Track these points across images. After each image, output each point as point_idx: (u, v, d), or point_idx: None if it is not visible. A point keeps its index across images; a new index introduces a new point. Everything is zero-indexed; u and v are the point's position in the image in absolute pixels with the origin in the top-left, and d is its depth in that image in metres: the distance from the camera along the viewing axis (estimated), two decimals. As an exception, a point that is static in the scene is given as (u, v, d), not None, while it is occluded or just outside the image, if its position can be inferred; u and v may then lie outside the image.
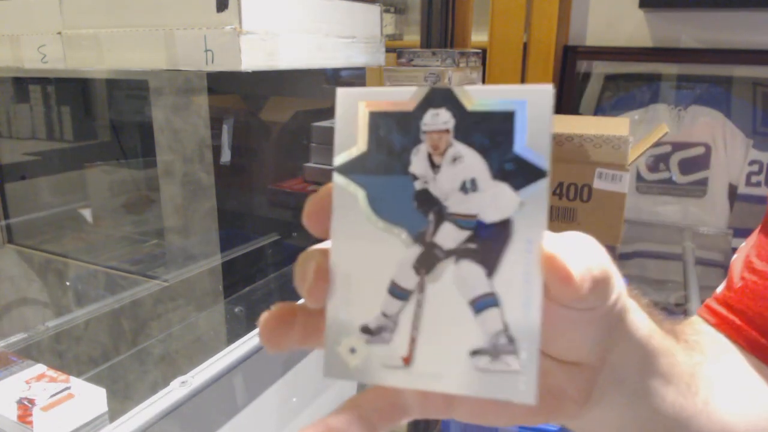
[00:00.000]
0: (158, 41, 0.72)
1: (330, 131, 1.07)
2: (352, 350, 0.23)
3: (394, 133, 0.23)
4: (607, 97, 1.53)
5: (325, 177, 1.12)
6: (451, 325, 0.22)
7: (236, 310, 1.00)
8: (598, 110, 1.53)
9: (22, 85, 1.33)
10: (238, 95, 1.12)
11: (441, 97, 0.22)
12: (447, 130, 0.22)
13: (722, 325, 0.45)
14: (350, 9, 0.92)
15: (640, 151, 1.00)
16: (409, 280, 0.22)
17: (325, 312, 0.23)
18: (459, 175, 0.22)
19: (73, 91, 1.31)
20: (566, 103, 1.53)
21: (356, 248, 0.23)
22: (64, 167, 1.35)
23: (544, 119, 0.21)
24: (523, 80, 1.49)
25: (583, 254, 0.22)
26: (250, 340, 0.74)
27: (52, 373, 0.61)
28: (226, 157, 1.03)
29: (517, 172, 0.21)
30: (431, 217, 0.22)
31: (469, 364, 0.22)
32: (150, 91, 0.97)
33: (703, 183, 1.45)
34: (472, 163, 0.22)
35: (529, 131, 0.21)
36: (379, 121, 0.23)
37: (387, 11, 1.71)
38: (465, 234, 0.22)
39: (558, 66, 1.51)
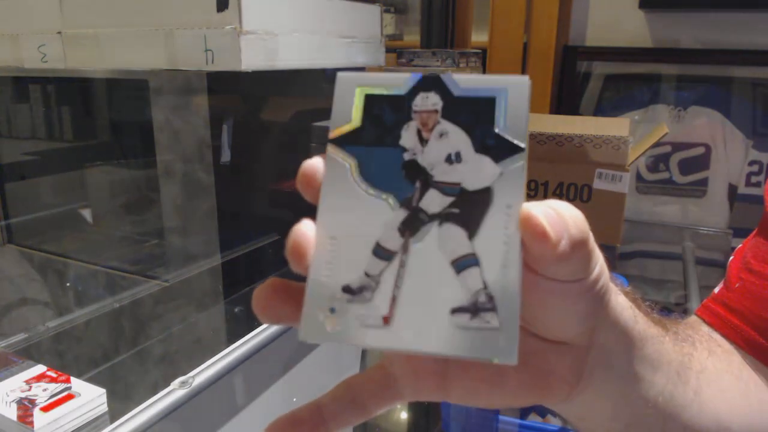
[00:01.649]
0: (158, 41, 0.72)
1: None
2: (332, 310, 0.23)
3: (387, 112, 0.25)
4: (607, 98, 1.53)
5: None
6: (432, 284, 0.23)
7: (236, 310, 1.00)
8: (598, 110, 1.53)
9: (22, 84, 1.33)
10: (238, 95, 1.12)
11: (431, 83, 0.25)
12: (436, 111, 0.24)
13: (720, 324, 0.45)
14: (350, 9, 0.92)
15: (640, 151, 1.00)
16: (393, 242, 0.23)
17: (307, 274, 0.23)
18: (445, 149, 0.24)
19: (73, 91, 1.31)
20: (566, 103, 1.53)
21: (343, 213, 0.24)
22: (64, 167, 1.35)
23: (522, 105, 0.24)
24: (523, 80, 1.49)
25: (560, 215, 0.23)
26: (250, 340, 0.74)
27: (52, 373, 0.61)
28: (226, 157, 1.03)
29: (498, 147, 0.23)
30: (418, 184, 0.24)
31: (449, 322, 0.22)
32: (150, 91, 0.97)
33: (703, 183, 1.46)
34: (457, 138, 0.24)
35: (508, 114, 0.24)
36: (373, 101, 0.25)
37: (387, 11, 1.71)
38: (449, 200, 0.23)
39: (558, 66, 1.51)
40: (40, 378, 0.60)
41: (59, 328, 0.94)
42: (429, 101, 0.24)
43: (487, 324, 0.22)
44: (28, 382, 0.60)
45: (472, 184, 0.23)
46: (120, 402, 0.61)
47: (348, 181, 0.24)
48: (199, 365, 0.66)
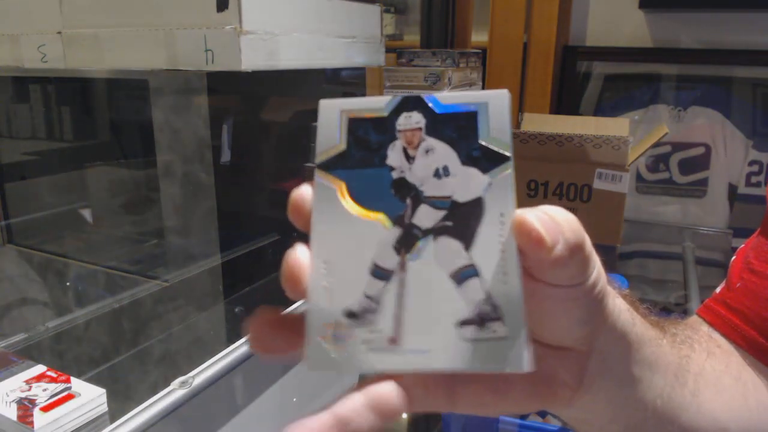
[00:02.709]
0: (158, 41, 0.72)
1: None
2: (336, 338, 0.23)
3: (371, 133, 0.25)
4: (607, 98, 1.53)
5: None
6: (435, 299, 0.23)
7: (236, 310, 1.00)
8: (598, 110, 1.53)
9: (22, 85, 1.33)
10: (238, 95, 1.12)
11: (412, 102, 0.25)
12: (419, 128, 0.24)
13: (720, 324, 0.45)
14: (350, 9, 0.92)
15: (640, 151, 1.00)
16: (390, 260, 0.23)
17: (306, 302, 0.23)
18: (432, 164, 0.24)
19: (73, 91, 1.31)
20: (566, 103, 1.53)
21: (336, 236, 0.24)
22: (64, 167, 1.35)
23: (503, 115, 0.24)
24: (523, 80, 1.49)
25: (554, 220, 0.23)
26: (250, 340, 0.74)
27: (52, 373, 0.61)
28: (226, 157, 1.03)
29: (484, 158, 0.24)
30: (408, 201, 0.24)
31: (456, 336, 0.22)
32: (150, 91, 0.97)
33: (703, 183, 1.45)
34: (443, 153, 0.24)
35: (491, 125, 0.24)
36: (357, 124, 0.25)
37: (387, 11, 1.71)
38: (441, 213, 0.24)
39: (558, 66, 1.51)
40: (40, 378, 0.60)
41: (59, 328, 0.94)
42: (412, 120, 0.24)
43: (495, 333, 0.22)
44: (28, 382, 0.60)
45: (462, 195, 0.23)
46: (120, 402, 0.61)
47: (338, 203, 0.24)
48: (199, 365, 0.66)
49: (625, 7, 1.46)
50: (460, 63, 1.16)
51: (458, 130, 0.24)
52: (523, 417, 0.81)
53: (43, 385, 0.59)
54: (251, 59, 0.69)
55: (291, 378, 0.80)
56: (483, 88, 1.32)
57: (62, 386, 0.59)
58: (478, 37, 1.49)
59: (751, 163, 1.42)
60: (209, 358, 0.67)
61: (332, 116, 0.25)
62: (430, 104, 0.24)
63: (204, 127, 0.95)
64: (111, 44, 0.76)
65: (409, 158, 0.24)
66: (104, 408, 0.59)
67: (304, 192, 0.24)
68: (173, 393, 0.60)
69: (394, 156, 0.24)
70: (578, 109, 1.54)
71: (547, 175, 0.96)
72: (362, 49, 0.95)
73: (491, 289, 0.22)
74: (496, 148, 0.24)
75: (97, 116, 1.32)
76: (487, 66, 1.46)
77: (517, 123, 1.22)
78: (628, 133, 0.95)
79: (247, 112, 1.14)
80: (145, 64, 0.74)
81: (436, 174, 0.24)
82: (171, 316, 1.01)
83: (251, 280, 1.05)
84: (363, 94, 1.24)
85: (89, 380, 0.61)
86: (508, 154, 0.24)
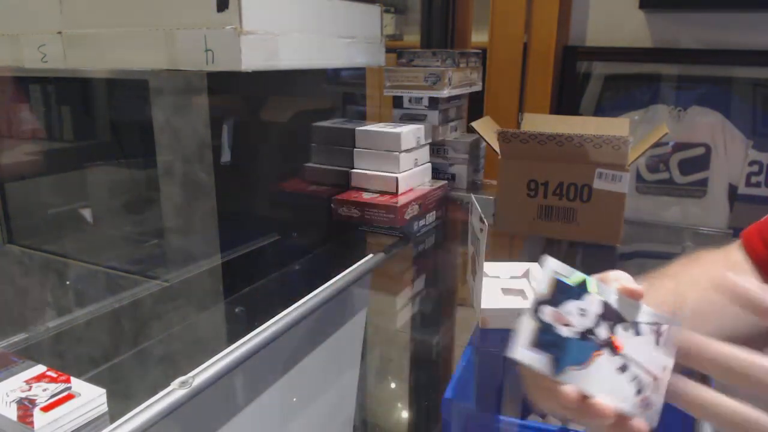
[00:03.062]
0: (158, 41, 0.72)
1: (330, 131, 1.07)
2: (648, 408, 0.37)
3: (555, 343, 0.38)
4: (608, 98, 1.53)
5: (325, 177, 1.12)
6: (647, 354, 0.38)
7: (236, 310, 1.00)
8: (599, 111, 1.53)
9: (22, 85, 1.33)
10: (238, 95, 1.11)
11: (536, 311, 0.38)
12: (557, 312, 0.38)
13: (747, 245, 0.56)
14: (350, 9, 0.92)
15: (640, 151, 1.00)
16: (618, 360, 0.37)
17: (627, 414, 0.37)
18: (577, 315, 0.38)
19: (73, 91, 1.31)
20: (566, 103, 1.53)
21: (597, 384, 0.37)
22: (64, 167, 1.35)
23: (562, 267, 0.39)
24: (523, 80, 1.49)
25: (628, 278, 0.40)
26: (250, 340, 0.74)
27: (52, 373, 0.61)
28: (226, 157, 1.03)
29: (581, 289, 0.39)
30: (591, 338, 0.38)
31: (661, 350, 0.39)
32: (150, 91, 0.97)
33: (703, 183, 1.45)
34: (573, 307, 0.38)
35: (567, 277, 0.39)
36: (537, 346, 0.38)
37: (387, 11, 1.71)
38: (607, 323, 0.38)
39: (558, 66, 1.51)
40: (40, 378, 0.60)
41: (59, 328, 0.94)
42: (550, 313, 0.38)
43: (664, 328, 0.39)
44: (28, 382, 0.60)
45: (601, 311, 0.38)
46: (120, 402, 0.61)
47: (580, 374, 0.37)
48: (199, 365, 0.66)
49: (625, 7, 1.46)
50: (460, 63, 1.16)
51: (564, 295, 0.38)
52: (524, 417, 0.81)
53: (43, 385, 0.59)
54: (251, 59, 0.69)
55: (291, 378, 0.80)
56: (483, 88, 1.32)
57: (62, 386, 0.59)
58: (478, 37, 1.49)
59: (751, 163, 1.42)
60: (209, 358, 0.67)
61: (519, 354, 0.37)
62: (539, 308, 0.38)
63: (204, 127, 0.95)
64: (111, 44, 0.76)
65: (567, 324, 0.38)
66: (104, 408, 0.59)
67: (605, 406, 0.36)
68: (173, 393, 0.60)
69: (566, 332, 0.37)
70: (578, 109, 1.54)
71: (547, 175, 0.96)
72: (362, 49, 0.95)
73: (652, 320, 0.39)
74: (578, 280, 0.39)
75: (97, 116, 1.32)
76: (487, 66, 1.47)
77: (517, 123, 1.22)
78: (628, 133, 0.95)
79: (247, 112, 1.14)
80: (145, 64, 0.75)
81: (584, 316, 0.38)
82: (171, 316, 1.01)
83: (251, 280, 1.04)
84: (363, 95, 1.24)
85: (89, 380, 0.61)
86: (583, 276, 0.39)
